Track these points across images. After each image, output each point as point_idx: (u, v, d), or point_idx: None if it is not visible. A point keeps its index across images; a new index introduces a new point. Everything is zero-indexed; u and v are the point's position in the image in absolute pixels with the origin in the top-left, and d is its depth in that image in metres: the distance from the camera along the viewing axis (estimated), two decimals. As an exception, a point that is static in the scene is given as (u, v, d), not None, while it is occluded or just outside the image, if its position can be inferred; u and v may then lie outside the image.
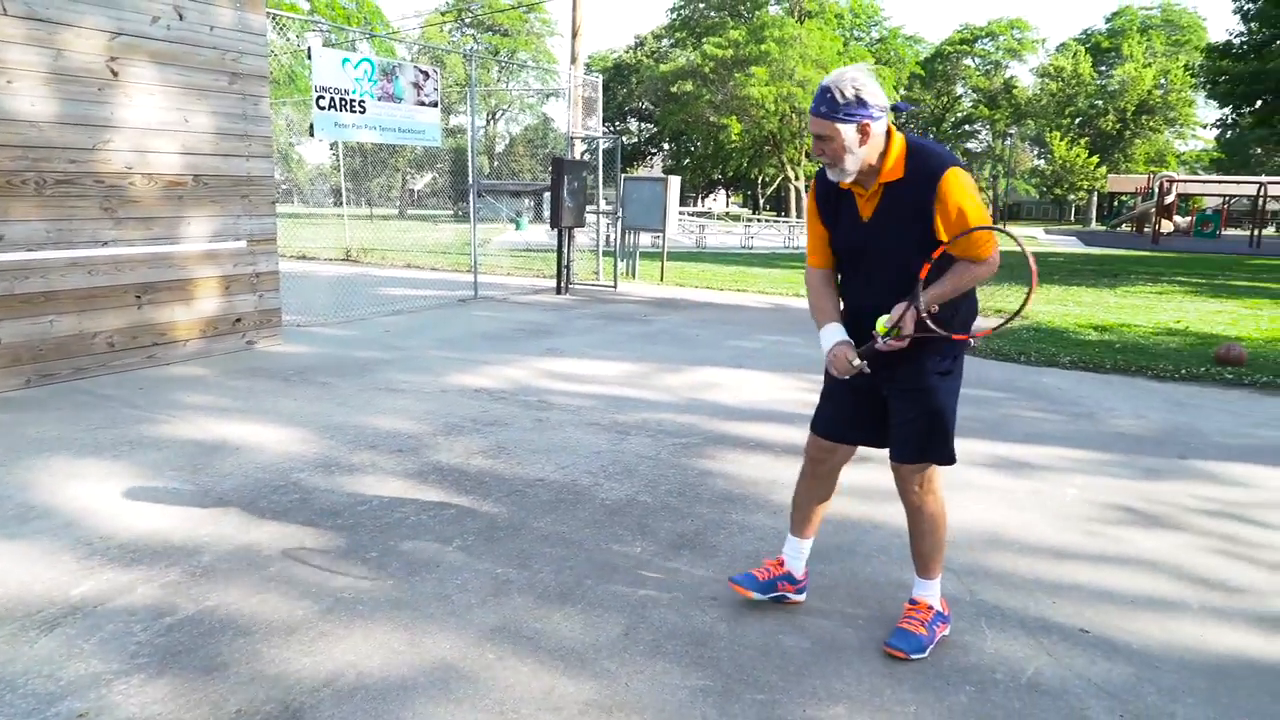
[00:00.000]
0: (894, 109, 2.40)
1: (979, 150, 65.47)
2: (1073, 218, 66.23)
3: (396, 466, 4.13)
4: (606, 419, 5.07)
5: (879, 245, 2.44)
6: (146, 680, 2.33)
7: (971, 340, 2.48)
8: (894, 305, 2.38)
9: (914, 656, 2.53)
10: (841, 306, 2.62)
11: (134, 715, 2.17)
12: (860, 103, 2.28)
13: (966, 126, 64.82)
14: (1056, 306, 10.94)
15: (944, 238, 2.33)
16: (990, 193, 67.09)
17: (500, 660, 2.48)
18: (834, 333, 2.53)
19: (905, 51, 59.28)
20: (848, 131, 2.29)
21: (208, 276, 6.44)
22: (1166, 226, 35.23)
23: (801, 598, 2.85)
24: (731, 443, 4.68)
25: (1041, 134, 57.79)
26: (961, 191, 2.30)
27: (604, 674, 2.42)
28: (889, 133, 2.36)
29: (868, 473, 4.17)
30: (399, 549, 3.20)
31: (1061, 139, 54.78)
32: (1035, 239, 35.63)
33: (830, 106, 2.29)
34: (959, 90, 63.84)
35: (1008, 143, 60.22)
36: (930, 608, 2.64)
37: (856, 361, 2.42)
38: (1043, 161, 60.28)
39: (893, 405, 2.56)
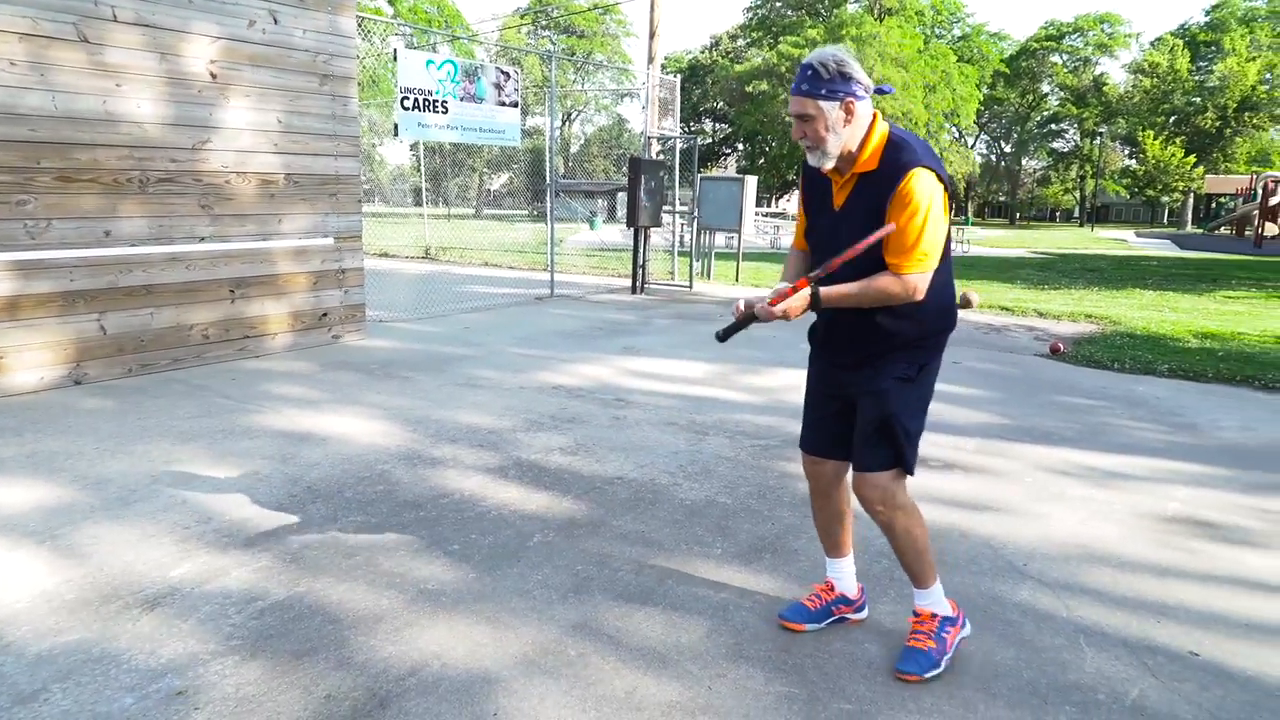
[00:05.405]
0: (878, 91, 2.26)
1: (1065, 150, 63.22)
2: (1165, 220, 63.42)
3: (477, 461, 4.17)
4: (684, 419, 5.04)
5: (844, 238, 2.27)
6: (241, 662, 2.39)
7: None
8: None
9: (927, 676, 2.39)
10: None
11: (229, 695, 2.24)
12: (844, 78, 2.16)
13: (1053, 125, 62.65)
14: (1151, 312, 10.46)
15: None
16: (1078, 194, 64.76)
17: (582, 657, 2.47)
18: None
19: (989, 49, 57.64)
20: (831, 109, 2.17)
21: (297, 272, 6.64)
22: (1271, 230, 33.33)
23: (863, 615, 2.72)
24: (811, 446, 4.59)
25: (1133, 133, 55.35)
26: (918, 194, 2.15)
27: (686, 676, 2.39)
28: (873, 120, 2.24)
29: (954, 482, 4.04)
30: (480, 543, 3.22)
31: (1155, 138, 52.42)
32: (1125, 242, 34.22)
33: (812, 84, 2.17)
34: (1045, 88, 61.77)
35: (1096, 142, 57.91)
36: (934, 615, 2.50)
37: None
38: (1134, 161, 57.79)
39: (858, 413, 2.45)
